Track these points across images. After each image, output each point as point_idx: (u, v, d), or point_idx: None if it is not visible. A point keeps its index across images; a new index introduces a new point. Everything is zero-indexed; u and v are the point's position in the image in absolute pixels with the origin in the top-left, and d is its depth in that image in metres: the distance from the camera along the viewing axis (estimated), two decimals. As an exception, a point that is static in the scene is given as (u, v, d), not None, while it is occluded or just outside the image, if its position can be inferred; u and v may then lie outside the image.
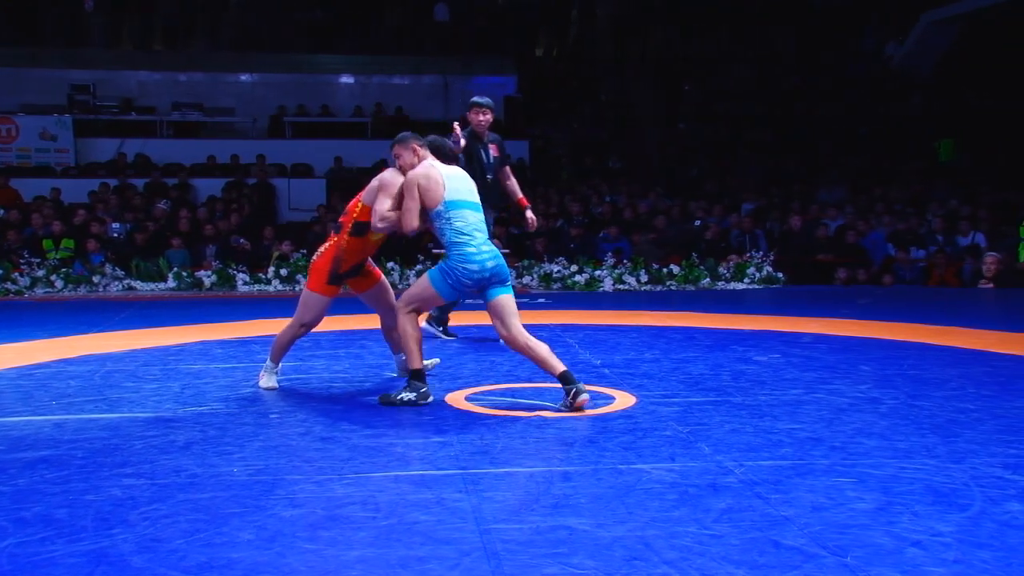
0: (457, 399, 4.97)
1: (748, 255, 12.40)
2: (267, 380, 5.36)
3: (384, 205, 4.98)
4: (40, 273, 11.64)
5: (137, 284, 11.77)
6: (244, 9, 19.63)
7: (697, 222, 13.87)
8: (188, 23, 19.44)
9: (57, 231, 12.72)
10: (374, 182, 5.11)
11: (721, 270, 12.14)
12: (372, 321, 8.34)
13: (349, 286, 5.40)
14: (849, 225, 13.25)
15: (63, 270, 11.79)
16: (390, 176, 5.06)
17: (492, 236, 6.72)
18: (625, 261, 12.15)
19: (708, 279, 12.00)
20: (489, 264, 4.81)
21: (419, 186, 4.88)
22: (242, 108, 18.85)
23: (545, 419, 4.51)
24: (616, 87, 19.72)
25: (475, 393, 5.13)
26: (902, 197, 14.94)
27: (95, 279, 11.74)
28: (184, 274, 11.82)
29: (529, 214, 7.24)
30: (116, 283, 11.77)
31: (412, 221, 4.91)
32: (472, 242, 4.83)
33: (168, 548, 2.84)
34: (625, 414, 4.61)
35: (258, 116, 18.54)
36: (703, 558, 2.73)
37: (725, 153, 17.70)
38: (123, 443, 4.07)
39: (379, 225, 4.99)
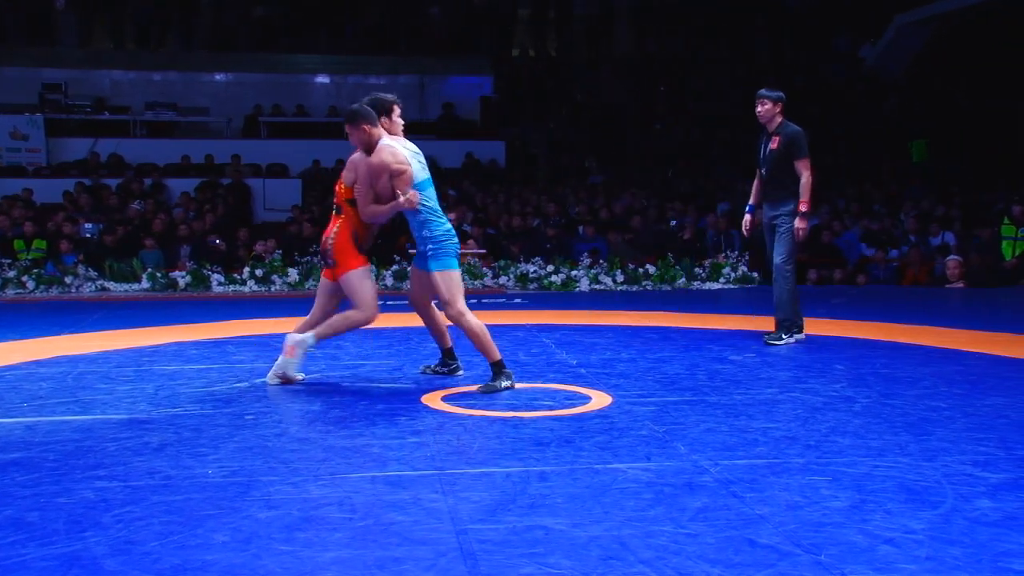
0: (433, 400, 4.96)
1: (723, 255, 12.46)
2: (295, 363, 5.31)
3: (368, 200, 5.15)
4: (11, 274, 11.51)
5: (110, 285, 11.66)
6: (218, 8, 19.50)
7: (673, 222, 13.93)
8: (162, 22, 19.29)
9: (28, 231, 12.58)
10: (348, 165, 5.25)
11: (697, 270, 12.19)
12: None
13: (323, 273, 5.49)
14: (823, 225, 13.34)
15: (35, 271, 11.67)
16: (363, 166, 5.14)
17: (772, 232, 6.89)
18: (601, 261, 12.18)
19: (684, 279, 12.05)
20: (455, 234, 5.30)
21: (390, 173, 5.07)
22: (217, 108, 18.73)
23: (521, 419, 4.52)
24: (592, 88, 19.75)
25: (451, 394, 5.13)
26: (876, 197, 15.07)
27: (68, 280, 11.62)
28: (158, 275, 11.73)
29: (796, 222, 6.73)
30: (89, 284, 11.66)
31: (378, 210, 5.17)
32: (443, 216, 5.25)
33: (142, 551, 2.82)
34: (601, 414, 4.62)
35: (233, 116, 18.42)
36: (679, 557, 2.74)
37: (700, 153, 17.77)
38: (96, 445, 4.04)
39: (364, 218, 5.24)
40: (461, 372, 5.68)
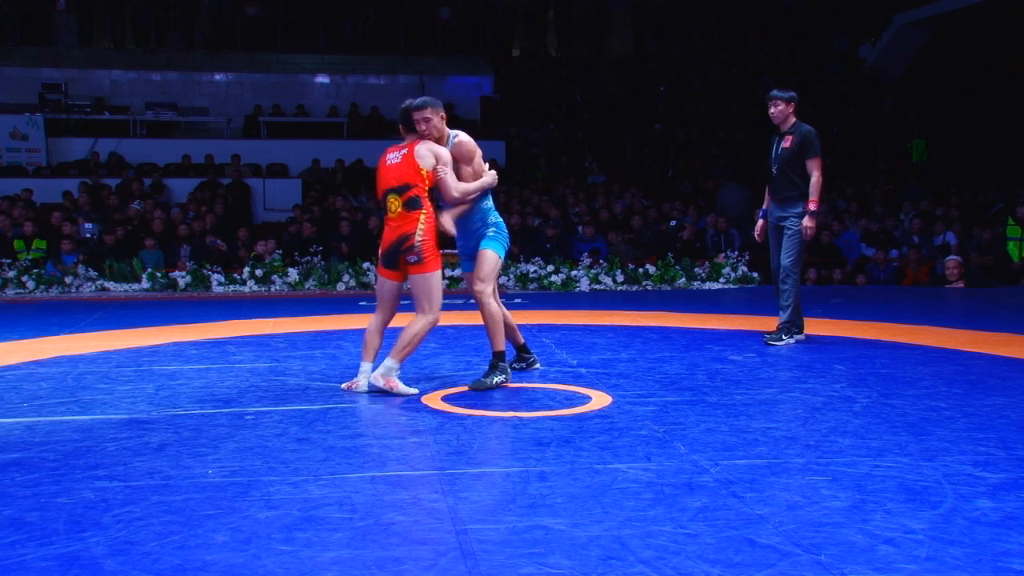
0: (434, 399, 4.96)
1: (723, 255, 12.46)
2: (401, 387, 5.10)
3: (454, 178, 5.16)
4: (11, 274, 11.50)
5: (110, 285, 11.67)
6: (218, 8, 19.50)
7: (673, 222, 13.92)
8: (162, 22, 19.30)
9: (28, 231, 12.58)
10: (423, 149, 5.08)
11: (697, 270, 12.19)
12: (347, 322, 8.34)
13: (383, 273, 5.26)
14: (823, 225, 13.34)
15: (35, 271, 11.66)
16: (452, 149, 5.19)
17: (777, 230, 6.93)
18: (601, 261, 12.18)
19: (684, 279, 12.05)
20: None
21: (479, 154, 5.30)
22: (217, 108, 18.73)
23: (521, 419, 4.52)
24: (592, 87, 19.76)
25: (451, 394, 5.13)
26: (876, 197, 15.07)
27: (67, 280, 11.62)
28: (158, 275, 11.73)
29: (805, 220, 6.73)
30: (89, 284, 11.66)
31: (469, 188, 5.26)
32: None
33: (142, 551, 2.82)
34: (601, 414, 4.62)
35: (233, 116, 18.43)
36: (679, 557, 2.74)
37: (699, 153, 17.78)
38: (96, 445, 4.04)
39: (455, 196, 5.14)
40: (538, 366, 5.85)
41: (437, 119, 5.14)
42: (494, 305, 5.31)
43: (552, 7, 20.85)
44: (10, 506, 3.23)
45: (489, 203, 5.41)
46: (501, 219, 5.47)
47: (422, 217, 5.08)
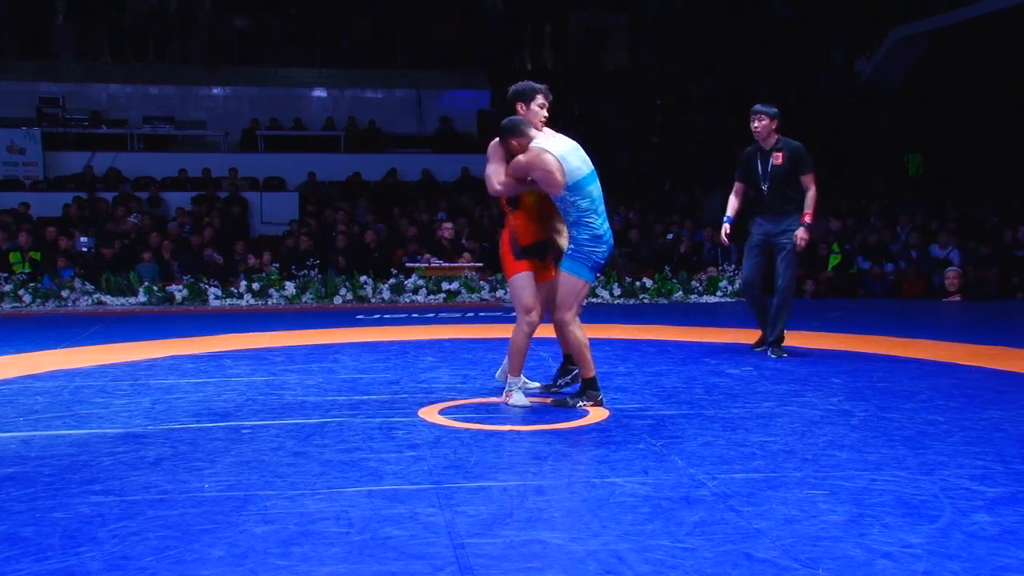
0: (431, 413, 4.96)
1: (720, 268, 12.47)
2: (517, 398, 5.15)
3: (497, 171, 5.07)
4: (7, 288, 11.49)
5: (107, 299, 11.65)
6: (216, 22, 19.54)
7: (670, 236, 13.94)
8: (159, 36, 19.33)
9: (24, 244, 12.57)
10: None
11: (694, 283, 12.20)
12: (344, 335, 8.33)
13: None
14: (819, 239, 13.35)
15: (31, 284, 11.64)
16: (493, 144, 5.20)
17: (780, 244, 6.82)
18: (598, 275, 12.18)
19: (681, 292, 12.05)
20: (610, 242, 5.02)
21: (536, 171, 4.90)
22: (214, 121, 18.76)
23: (518, 433, 4.51)
24: (589, 101, 19.80)
25: (449, 407, 5.12)
26: (873, 210, 15.10)
27: (64, 293, 11.60)
28: (155, 288, 11.72)
29: (799, 231, 6.72)
30: (85, 298, 11.64)
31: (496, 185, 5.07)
32: (597, 220, 4.95)
33: (137, 566, 2.80)
34: (598, 427, 4.62)
35: (230, 130, 18.45)
36: (676, 571, 2.73)
37: (696, 166, 17.81)
38: (92, 460, 4.03)
39: (498, 188, 5.06)
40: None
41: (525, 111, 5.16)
42: (572, 332, 5.03)
43: (549, 21, 20.90)
44: (5, 521, 3.21)
45: (579, 215, 4.90)
46: (591, 232, 4.91)
47: (509, 220, 5.24)
